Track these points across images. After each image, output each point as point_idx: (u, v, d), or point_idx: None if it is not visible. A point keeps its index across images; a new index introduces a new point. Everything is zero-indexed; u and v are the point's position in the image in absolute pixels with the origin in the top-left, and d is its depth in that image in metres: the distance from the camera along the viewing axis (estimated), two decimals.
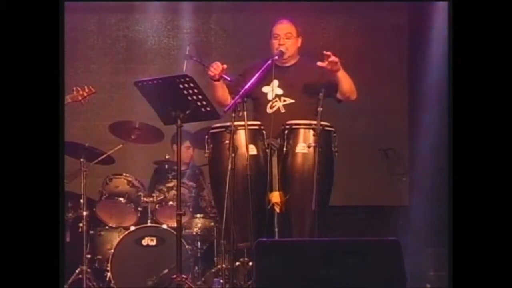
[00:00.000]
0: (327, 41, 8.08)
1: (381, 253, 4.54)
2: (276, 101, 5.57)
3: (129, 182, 6.75)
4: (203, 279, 6.45)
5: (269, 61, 5.43)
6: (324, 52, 5.33)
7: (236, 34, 8.32)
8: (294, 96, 5.56)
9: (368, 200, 8.15)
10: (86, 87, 6.30)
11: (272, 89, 5.56)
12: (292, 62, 5.68)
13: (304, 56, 5.73)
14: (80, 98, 6.26)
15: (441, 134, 6.66)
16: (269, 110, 5.56)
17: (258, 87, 5.53)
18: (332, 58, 5.31)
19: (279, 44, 5.58)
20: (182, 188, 5.76)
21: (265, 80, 5.51)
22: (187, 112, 5.32)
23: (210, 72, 5.48)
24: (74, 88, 6.26)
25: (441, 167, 6.22)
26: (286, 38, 5.60)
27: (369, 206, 8.11)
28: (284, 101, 5.56)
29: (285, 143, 5.34)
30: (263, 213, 5.30)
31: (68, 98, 6.16)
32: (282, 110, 5.55)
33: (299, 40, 5.68)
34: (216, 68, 5.47)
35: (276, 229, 5.32)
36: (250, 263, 5.43)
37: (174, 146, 6.37)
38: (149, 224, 6.63)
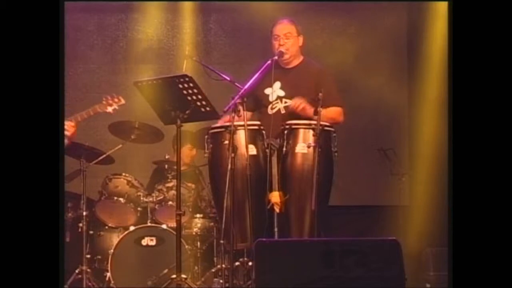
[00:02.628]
0: (326, 41, 8.08)
1: (380, 253, 4.54)
2: (277, 102, 5.57)
3: (128, 182, 6.75)
4: (203, 279, 6.45)
5: (269, 61, 5.42)
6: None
7: (236, 34, 8.32)
8: (295, 97, 5.55)
9: (368, 200, 8.15)
10: (115, 97, 6.14)
11: (273, 91, 5.55)
12: (296, 62, 5.66)
13: (308, 57, 5.72)
14: (109, 108, 6.09)
15: (441, 134, 6.66)
16: (270, 112, 5.56)
17: (260, 88, 5.53)
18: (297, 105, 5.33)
19: (279, 45, 5.57)
20: (181, 188, 5.75)
21: (267, 81, 5.50)
22: (187, 112, 5.32)
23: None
24: (104, 98, 6.11)
25: (441, 167, 6.22)
26: (286, 38, 5.59)
27: (369, 206, 8.11)
28: (285, 102, 5.56)
29: (285, 143, 5.34)
30: (263, 213, 5.30)
31: (97, 108, 6.04)
32: (283, 111, 5.55)
33: (300, 39, 5.66)
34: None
35: (276, 229, 5.32)
36: (250, 263, 5.42)
37: None
38: (148, 224, 6.63)
